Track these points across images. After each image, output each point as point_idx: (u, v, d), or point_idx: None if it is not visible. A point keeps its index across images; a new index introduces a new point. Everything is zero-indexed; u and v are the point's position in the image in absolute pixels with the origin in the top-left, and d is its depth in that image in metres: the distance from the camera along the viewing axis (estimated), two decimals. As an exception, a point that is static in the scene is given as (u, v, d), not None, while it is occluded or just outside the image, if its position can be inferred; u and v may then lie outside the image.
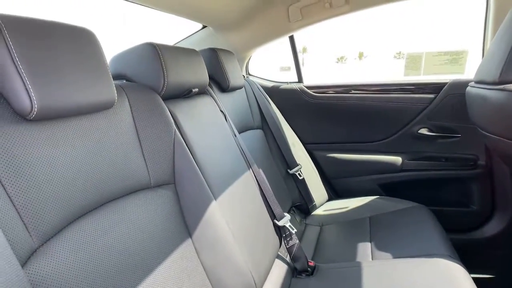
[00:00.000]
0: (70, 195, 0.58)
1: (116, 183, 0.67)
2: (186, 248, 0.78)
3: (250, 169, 1.12)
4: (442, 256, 0.99)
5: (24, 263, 0.49)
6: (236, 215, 0.92)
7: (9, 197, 0.49)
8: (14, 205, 0.50)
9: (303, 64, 2.21)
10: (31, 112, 0.52)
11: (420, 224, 1.23)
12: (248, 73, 1.93)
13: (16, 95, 0.51)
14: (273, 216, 1.12)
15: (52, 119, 0.58)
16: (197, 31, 1.67)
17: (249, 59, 1.85)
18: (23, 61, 0.51)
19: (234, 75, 1.35)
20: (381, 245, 1.16)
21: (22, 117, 0.53)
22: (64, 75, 0.56)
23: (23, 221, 0.50)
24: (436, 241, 1.09)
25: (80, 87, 0.59)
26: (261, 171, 1.16)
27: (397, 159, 1.62)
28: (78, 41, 0.60)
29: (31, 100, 0.51)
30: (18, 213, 0.50)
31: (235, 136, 1.15)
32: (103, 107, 0.66)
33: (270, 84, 1.85)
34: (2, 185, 0.49)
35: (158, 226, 0.72)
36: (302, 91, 1.77)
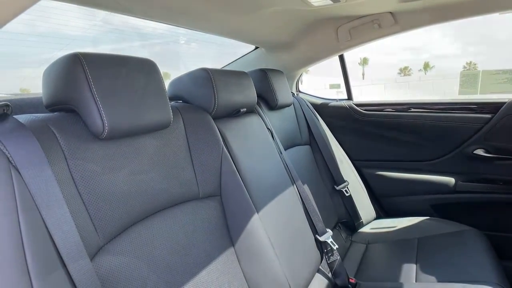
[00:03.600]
0: (130, 204, 0.69)
1: (170, 193, 0.78)
2: (228, 255, 0.85)
3: (294, 185, 1.17)
4: (491, 284, 0.94)
5: (92, 258, 0.61)
6: (277, 228, 0.98)
7: (84, 203, 0.61)
8: (87, 210, 0.62)
9: (363, 78, 2.20)
10: (103, 132, 0.64)
11: (471, 248, 1.17)
12: (298, 90, 1.99)
13: (92, 118, 0.63)
14: (315, 231, 1.15)
15: (118, 138, 0.70)
16: (251, 51, 1.78)
17: (300, 77, 1.92)
18: (98, 90, 0.63)
19: (283, 94, 1.42)
20: (426, 268, 1.13)
21: (95, 136, 0.66)
22: (130, 100, 0.68)
23: (93, 223, 0.62)
24: (486, 267, 1.04)
25: (142, 111, 0.70)
26: (306, 186, 1.21)
27: (450, 180, 1.56)
28: (141, 70, 0.72)
29: (103, 122, 0.63)
30: (89, 216, 0.62)
31: (281, 152, 1.22)
32: (161, 126, 0.77)
33: (319, 101, 1.89)
34: (79, 194, 0.61)
35: (203, 232, 0.82)
36: (351, 108, 1.78)
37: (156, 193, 0.74)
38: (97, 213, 0.63)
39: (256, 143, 1.12)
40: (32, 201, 0.53)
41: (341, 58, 1.79)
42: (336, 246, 1.15)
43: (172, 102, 0.97)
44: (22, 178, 0.53)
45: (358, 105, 1.78)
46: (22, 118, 0.61)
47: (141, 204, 0.71)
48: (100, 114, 0.63)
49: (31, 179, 0.54)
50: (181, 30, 1.30)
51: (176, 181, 0.80)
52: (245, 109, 1.11)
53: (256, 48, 1.76)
